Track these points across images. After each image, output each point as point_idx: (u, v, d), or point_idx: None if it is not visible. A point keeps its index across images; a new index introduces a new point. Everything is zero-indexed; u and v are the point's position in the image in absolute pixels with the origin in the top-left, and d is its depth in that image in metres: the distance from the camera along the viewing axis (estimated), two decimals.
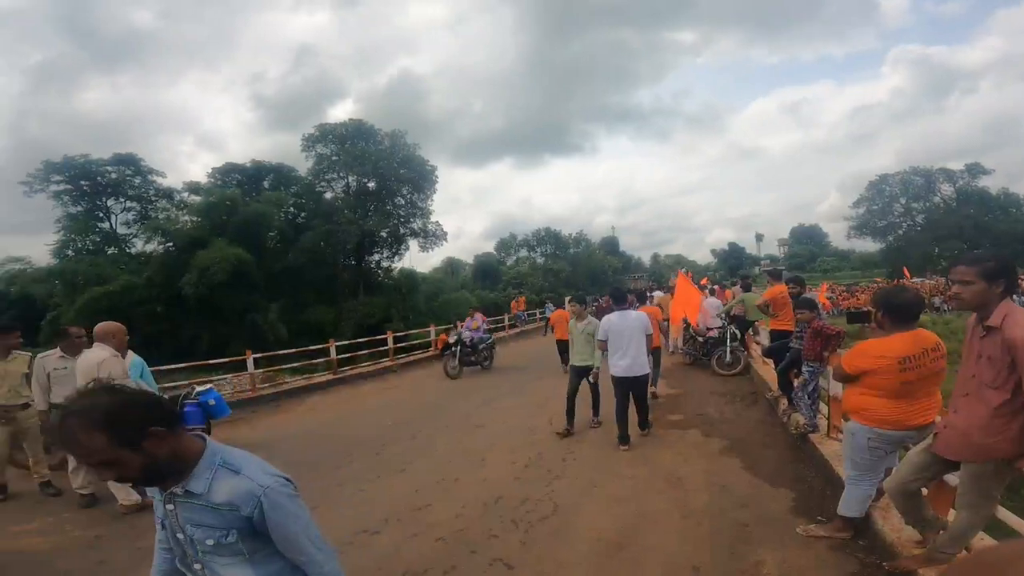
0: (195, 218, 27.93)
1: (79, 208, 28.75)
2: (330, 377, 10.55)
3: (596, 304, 15.19)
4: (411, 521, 3.81)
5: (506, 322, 21.59)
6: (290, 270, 29.38)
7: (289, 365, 13.11)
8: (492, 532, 3.58)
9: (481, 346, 10.98)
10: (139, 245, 29.69)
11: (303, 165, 33.79)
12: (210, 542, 1.25)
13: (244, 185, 31.74)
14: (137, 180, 30.13)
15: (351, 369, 11.93)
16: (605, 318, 5.46)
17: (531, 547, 3.34)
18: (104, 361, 3.90)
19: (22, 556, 3.58)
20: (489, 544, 3.41)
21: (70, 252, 27.48)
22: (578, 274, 50.94)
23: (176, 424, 1.25)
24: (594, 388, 5.95)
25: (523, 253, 59.06)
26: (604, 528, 3.53)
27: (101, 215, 29.80)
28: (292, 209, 32.79)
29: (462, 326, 11.30)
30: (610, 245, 68.11)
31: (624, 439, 5.20)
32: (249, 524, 1.24)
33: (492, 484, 4.47)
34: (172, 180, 33.10)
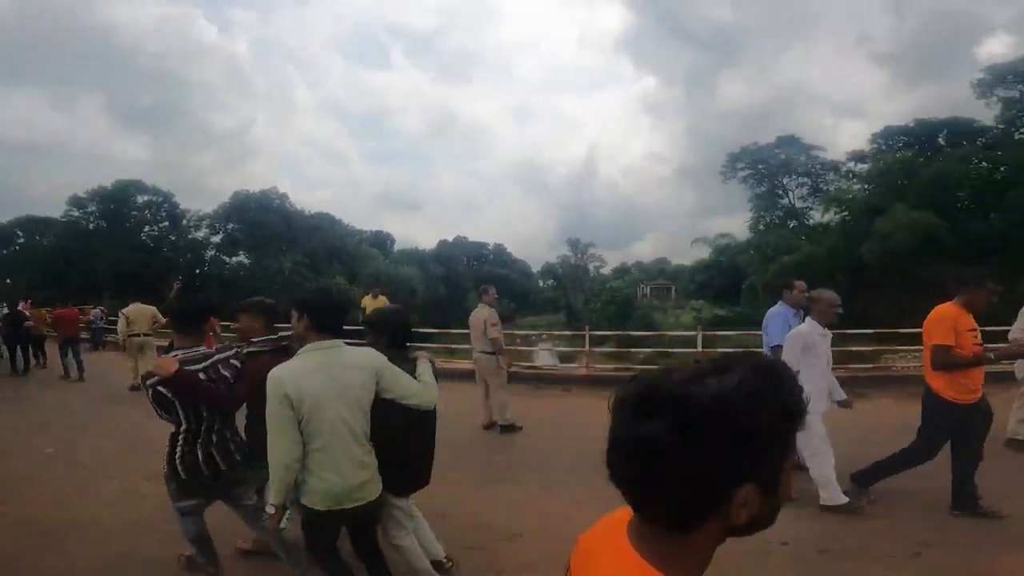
0: (867, 186, 27.65)
1: (762, 188, 34.53)
2: None
3: None
4: None
5: None
6: (994, 233, 23.27)
7: None
8: None
9: None
10: (816, 216, 32.37)
11: (984, 114, 26.93)
12: None
13: (913, 146, 28.71)
14: (802, 158, 33.26)
15: None
16: None
17: None
18: None
19: None
20: None
21: (761, 227, 33.28)
22: None
23: None
24: None
25: None
26: None
27: (780, 192, 34.60)
28: (984, 164, 26.26)
29: None
30: None
31: None
32: None
33: None
34: (830, 153, 34.09)
